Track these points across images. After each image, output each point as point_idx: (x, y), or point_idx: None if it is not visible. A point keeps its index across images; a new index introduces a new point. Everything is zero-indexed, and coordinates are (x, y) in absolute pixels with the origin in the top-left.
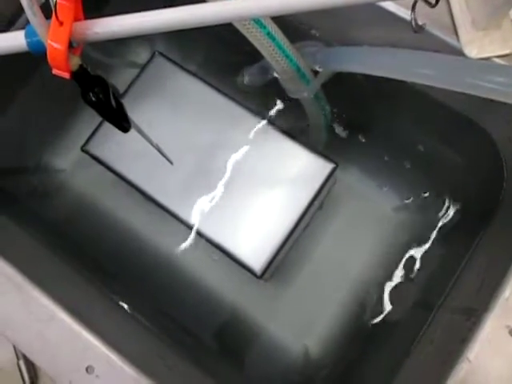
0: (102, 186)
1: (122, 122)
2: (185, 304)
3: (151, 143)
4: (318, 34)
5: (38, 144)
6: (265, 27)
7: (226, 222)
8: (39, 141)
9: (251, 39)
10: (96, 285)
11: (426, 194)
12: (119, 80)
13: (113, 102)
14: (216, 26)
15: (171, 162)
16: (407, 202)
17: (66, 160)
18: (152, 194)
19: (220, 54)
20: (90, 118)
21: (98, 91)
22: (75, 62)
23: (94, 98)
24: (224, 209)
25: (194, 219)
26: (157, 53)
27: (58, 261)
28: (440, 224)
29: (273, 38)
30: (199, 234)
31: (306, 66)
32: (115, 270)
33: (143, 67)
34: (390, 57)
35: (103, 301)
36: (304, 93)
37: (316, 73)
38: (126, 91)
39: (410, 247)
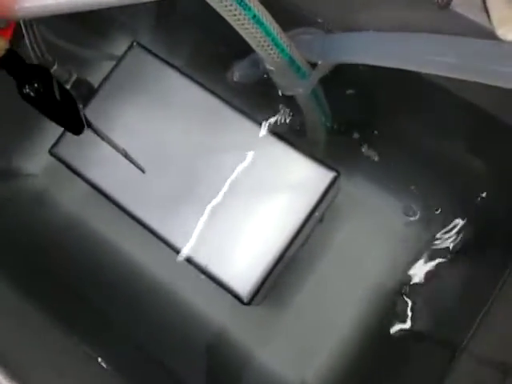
0: (77, 193)
1: (74, 123)
2: (167, 330)
3: (117, 149)
4: (314, 19)
5: (6, 146)
6: (250, 9)
7: (212, 240)
8: (7, 143)
9: (233, 24)
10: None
11: (441, 208)
12: (97, 75)
13: (58, 97)
14: (203, 15)
15: (143, 171)
16: (418, 215)
17: (36, 164)
18: (128, 207)
19: (209, 47)
20: None
21: (38, 84)
22: (1, 45)
23: (31, 93)
24: (210, 225)
25: (175, 236)
26: (135, 43)
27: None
28: (455, 244)
29: (260, 23)
30: (178, 252)
31: (302, 57)
32: (85, 293)
33: (119, 60)
34: (402, 43)
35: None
36: (299, 89)
37: (314, 65)
38: (98, 88)
39: (420, 268)
